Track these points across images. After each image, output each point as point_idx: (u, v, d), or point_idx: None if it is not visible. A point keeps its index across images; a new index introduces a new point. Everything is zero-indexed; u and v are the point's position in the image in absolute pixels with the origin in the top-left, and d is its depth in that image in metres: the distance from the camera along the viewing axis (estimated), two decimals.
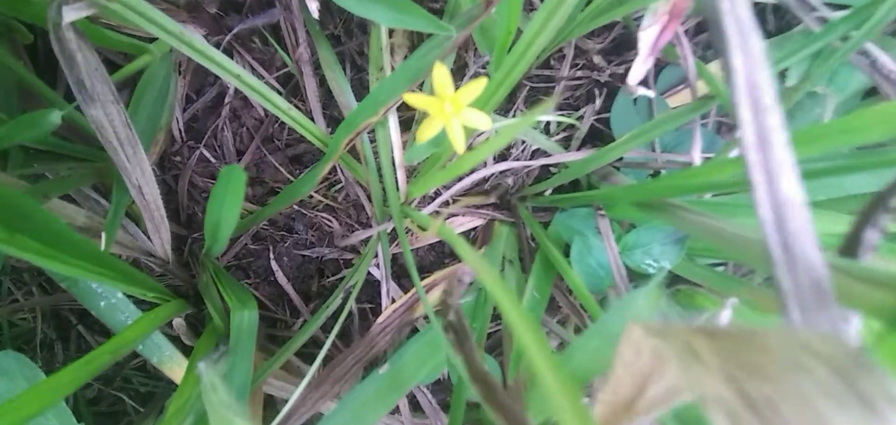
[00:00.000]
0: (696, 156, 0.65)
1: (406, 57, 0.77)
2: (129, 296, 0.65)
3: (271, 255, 0.86)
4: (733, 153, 0.72)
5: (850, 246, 0.28)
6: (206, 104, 0.83)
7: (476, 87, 0.37)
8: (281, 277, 0.86)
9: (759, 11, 0.87)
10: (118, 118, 0.53)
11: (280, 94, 0.83)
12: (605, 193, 0.63)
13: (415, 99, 0.37)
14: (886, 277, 0.28)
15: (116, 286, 0.55)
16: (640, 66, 0.57)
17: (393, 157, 0.62)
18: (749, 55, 0.30)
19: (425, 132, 0.37)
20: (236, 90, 0.81)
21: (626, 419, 0.28)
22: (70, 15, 0.44)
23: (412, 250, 0.83)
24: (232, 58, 0.81)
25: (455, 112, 0.37)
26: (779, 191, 0.28)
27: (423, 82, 0.56)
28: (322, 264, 0.89)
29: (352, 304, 0.88)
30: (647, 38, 0.58)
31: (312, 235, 0.87)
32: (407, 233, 0.66)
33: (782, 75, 0.93)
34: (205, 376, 0.37)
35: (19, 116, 0.49)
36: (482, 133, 0.70)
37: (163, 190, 0.85)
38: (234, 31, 0.66)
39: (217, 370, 0.51)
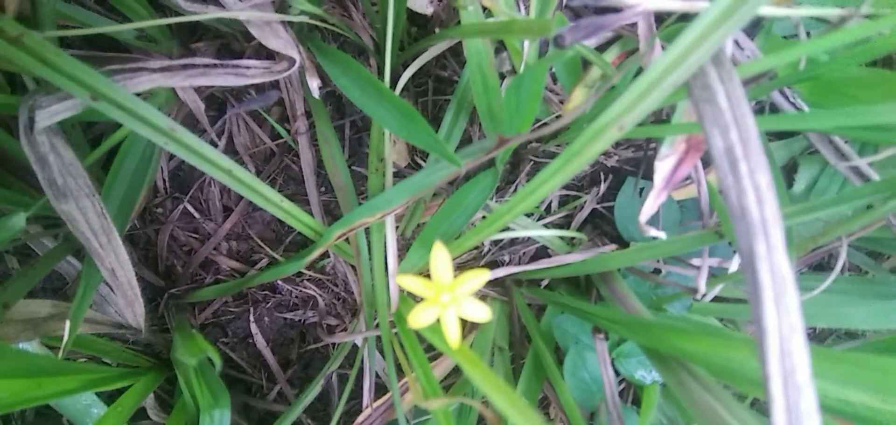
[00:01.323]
0: (702, 286, 0.63)
1: (408, 145, 0.73)
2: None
3: (252, 317, 0.82)
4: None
5: None
6: None
7: (477, 279, 0.34)
8: (260, 341, 0.82)
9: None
10: (92, 210, 0.49)
11: (274, 152, 0.79)
12: (605, 316, 0.61)
13: (410, 283, 0.34)
14: None
15: (78, 394, 0.51)
16: (653, 202, 0.54)
17: (386, 263, 0.59)
18: (785, 318, 0.28)
19: (418, 318, 0.34)
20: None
21: None
22: (44, 120, 0.40)
23: None
24: (225, 111, 0.76)
25: (452, 301, 0.34)
26: None
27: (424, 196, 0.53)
28: (304, 328, 0.85)
29: (335, 377, 0.84)
30: (663, 169, 0.55)
31: (296, 298, 0.83)
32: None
33: (790, 174, 0.92)
34: None
35: None
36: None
37: (141, 241, 0.80)
38: (234, 111, 0.62)
39: None
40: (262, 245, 0.76)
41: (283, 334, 0.85)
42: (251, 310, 0.82)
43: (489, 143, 0.48)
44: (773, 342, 0.27)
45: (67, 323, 0.52)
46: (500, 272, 0.70)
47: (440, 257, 0.34)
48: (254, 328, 0.81)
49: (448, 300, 0.35)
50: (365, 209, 0.55)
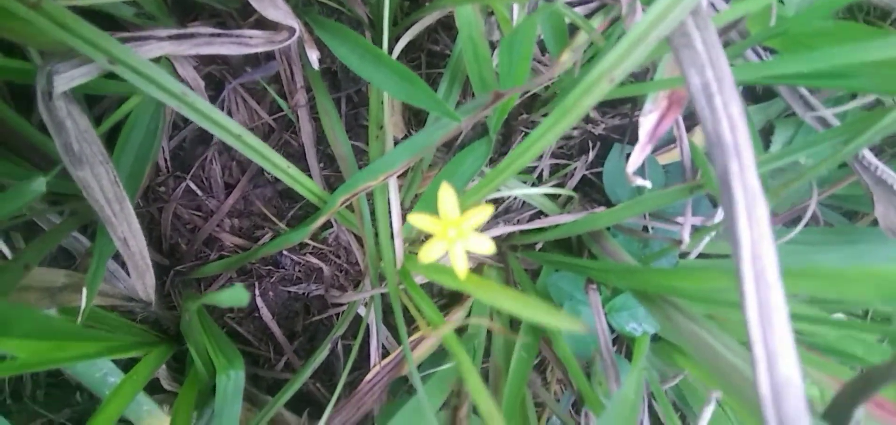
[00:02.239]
0: (686, 236, 0.67)
1: (404, 113, 0.76)
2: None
3: (257, 291, 0.84)
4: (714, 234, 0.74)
5: (836, 418, 0.30)
6: (194, 133, 0.80)
7: (482, 214, 0.37)
8: (265, 314, 0.84)
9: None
10: (106, 177, 0.50)
11: (273, 129, 0.81)
12: (597, 268, 0.64)
13: (419, 221, 0.37)
14: None
15: (95, 359, 0.53)
16: (639, 154, 0.58)
17: (391, 225, 0.61)
18: (756, 226, 0.31)
19: (428, 253, 0.37)
20: None
21: None
22: (62, 84, 0.42)
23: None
24: (223, 86, 0.78)
25: (459, 236, 0.37)
26: (778, 371, 0.29)
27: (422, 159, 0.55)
28: (308, 301, 0.88)
29: (340, 346, 0.87)
30: (647, 124, 0.59)
31: (299, 272, 0.86)
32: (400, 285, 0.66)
33: (767, 136, 0.97)
34: None
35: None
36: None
37: (145, 220, 0.82)
38: (234, 85, 0.63)
39: None
40: (267, 214, 0.78)
41: (287, 307, 0.87)
42: (256, 284, 0.84)
43: (485, 100, 0.51)
44: (745, 247, 0.31)
45: (84, 291, 0.54)
46: (496, 231, 0.73)
47: (447, 195, 0.37)
48: (259, 302, 0.84)
49: (455, 235, 0.38)
50: (368, 172, 0.58)
